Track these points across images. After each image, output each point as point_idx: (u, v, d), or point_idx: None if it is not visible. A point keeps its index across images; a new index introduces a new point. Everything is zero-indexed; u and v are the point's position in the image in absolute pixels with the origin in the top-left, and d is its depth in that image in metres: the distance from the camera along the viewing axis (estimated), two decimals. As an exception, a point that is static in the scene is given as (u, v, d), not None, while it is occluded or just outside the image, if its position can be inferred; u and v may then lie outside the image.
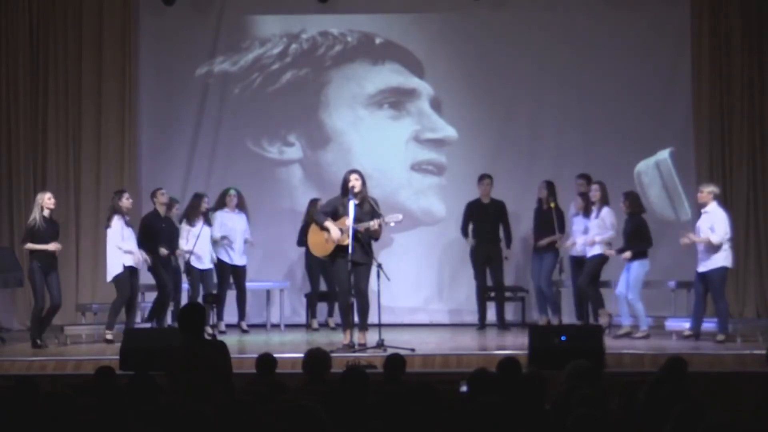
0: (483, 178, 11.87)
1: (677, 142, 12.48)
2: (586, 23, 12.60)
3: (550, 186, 11.57)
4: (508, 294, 12.10)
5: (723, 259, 10.03)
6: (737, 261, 12.08)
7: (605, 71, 12.54)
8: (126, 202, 10.64)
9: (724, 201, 11.98)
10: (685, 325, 10.31)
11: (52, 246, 10.29)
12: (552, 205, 11.44)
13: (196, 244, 11.02)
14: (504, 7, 12.76)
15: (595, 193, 10.93)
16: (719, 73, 12.26)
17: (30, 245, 10.30)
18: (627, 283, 10.43)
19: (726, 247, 10.03)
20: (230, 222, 11.56)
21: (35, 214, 10.32)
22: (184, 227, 11.16)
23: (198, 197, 11.29)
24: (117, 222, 10.55)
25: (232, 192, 11.66)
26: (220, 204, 11.62)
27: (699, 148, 12.33)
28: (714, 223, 9.99)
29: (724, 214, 10.13)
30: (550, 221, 11.40)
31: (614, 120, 12.52)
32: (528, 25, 12.68)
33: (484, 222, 11.81)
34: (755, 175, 12.25)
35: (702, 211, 10.15)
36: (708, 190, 10.19)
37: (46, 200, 10.39)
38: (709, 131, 12.26)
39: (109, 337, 10.48)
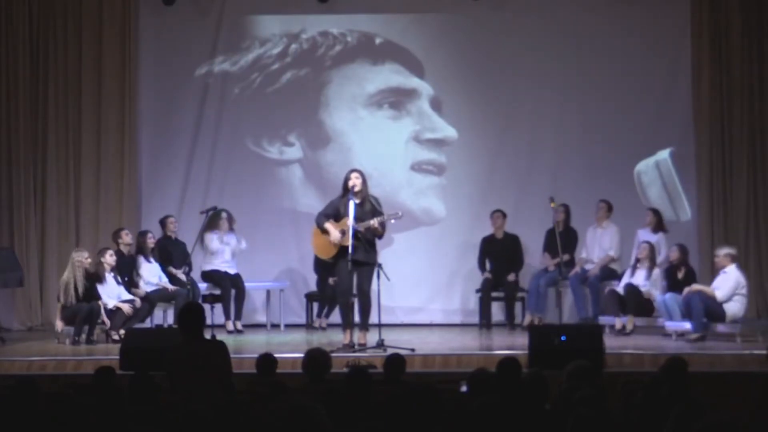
0: (494, 213, 11.91)
1: (677, 142, 12.48)
2: (586, 23, 12.59)
3: (567, 210, 11.63)
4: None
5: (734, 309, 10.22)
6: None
7: (605, 71, 12.53)
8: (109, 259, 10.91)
9: (724, 201, 12.04)
10: (686, 325, 10.25)
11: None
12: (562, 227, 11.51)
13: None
14: (504, 7, 12.74)
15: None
16: (719, 72, 12.25)
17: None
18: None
19: (736, 298, 10.25)
20: (222, 241, 11.66)
21: (72, 275, 10.55)
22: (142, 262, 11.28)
23: (143, 234, 11.43)
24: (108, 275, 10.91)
25: (224, 215, 11.68)
26: (212, 226, 11.60)
27: (699, 148, 12.31)
28: (725, 281, 10.22)
29: (740, 277, 10.29)
30: (563, 242, 11.33)
31: (614, 120, 12.51)
32: (528, 25, 12.67)
33: (499, 257, 11.87)
34: (755, 175, 12.23)
35: (721, 272, 10.35)
36: (724, 253, 10.38)
37: (84, 260, 10.64)
38: (709, 131, 12.24)
39: (115, 337, 10.52)
